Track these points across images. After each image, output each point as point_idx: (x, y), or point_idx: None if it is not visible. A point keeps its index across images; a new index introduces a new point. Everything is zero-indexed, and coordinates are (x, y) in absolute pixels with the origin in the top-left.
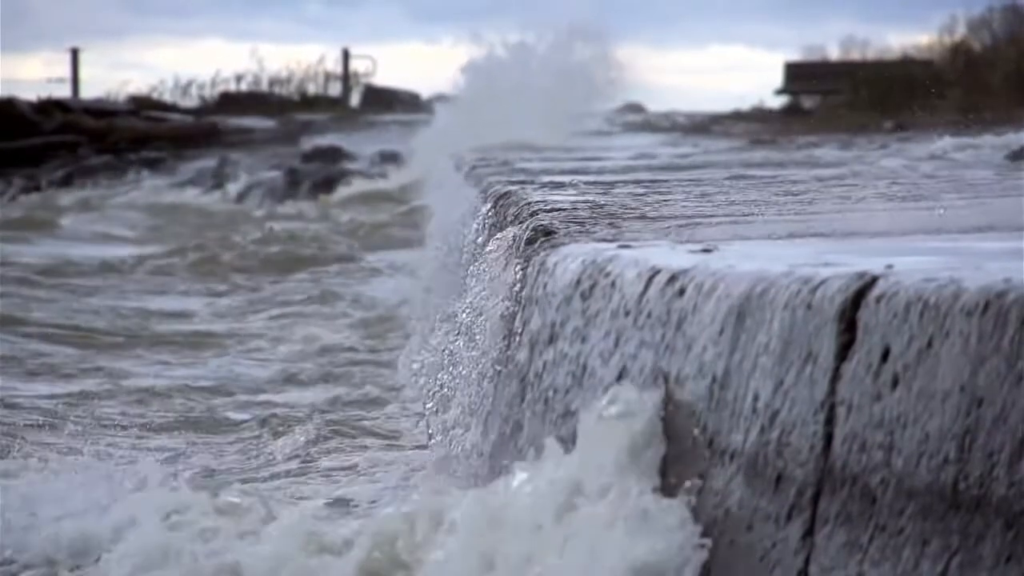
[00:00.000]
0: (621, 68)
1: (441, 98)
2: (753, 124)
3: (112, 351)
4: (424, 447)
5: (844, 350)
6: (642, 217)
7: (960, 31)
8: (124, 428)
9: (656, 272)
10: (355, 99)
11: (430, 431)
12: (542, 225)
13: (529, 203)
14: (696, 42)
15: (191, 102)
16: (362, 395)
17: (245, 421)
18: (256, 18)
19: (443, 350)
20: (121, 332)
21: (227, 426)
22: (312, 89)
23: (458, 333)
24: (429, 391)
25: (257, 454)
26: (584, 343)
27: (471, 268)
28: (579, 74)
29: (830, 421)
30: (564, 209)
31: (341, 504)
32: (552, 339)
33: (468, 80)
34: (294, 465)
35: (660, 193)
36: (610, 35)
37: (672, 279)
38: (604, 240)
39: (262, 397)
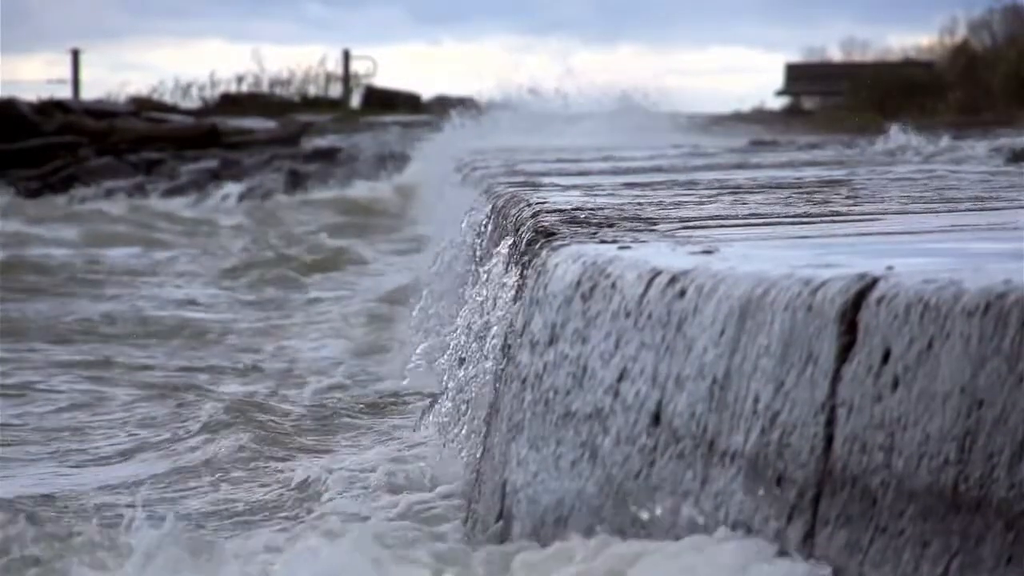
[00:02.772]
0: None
1: (442, 99)
2: (754, 125)
3: (111, 349)
4: (422, 445)
5: (845, 352)
6: (643, 218)
7: (961, 32)
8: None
9: (657, 273)
10: (356, 100)
11: (428, 430)
12: (543, 226)
13: (530, 204)
14: (696, 43)
15: (191, 103)
16: (361, 394)
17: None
18: (257, 19)
19: (443, 349)
20: (121, 331)
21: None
22: (313, 90)
23: (458, 333)
24: (427, 389)
25: (251, 449)
26: (584, 344)
27: (472, 268)
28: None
29: (831, 422)
30: (565, 210)
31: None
32: (552, 340)
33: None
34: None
35: (660, 194)
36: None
37: (673, 280)
38: (604, 241)
39: (258, 393)
